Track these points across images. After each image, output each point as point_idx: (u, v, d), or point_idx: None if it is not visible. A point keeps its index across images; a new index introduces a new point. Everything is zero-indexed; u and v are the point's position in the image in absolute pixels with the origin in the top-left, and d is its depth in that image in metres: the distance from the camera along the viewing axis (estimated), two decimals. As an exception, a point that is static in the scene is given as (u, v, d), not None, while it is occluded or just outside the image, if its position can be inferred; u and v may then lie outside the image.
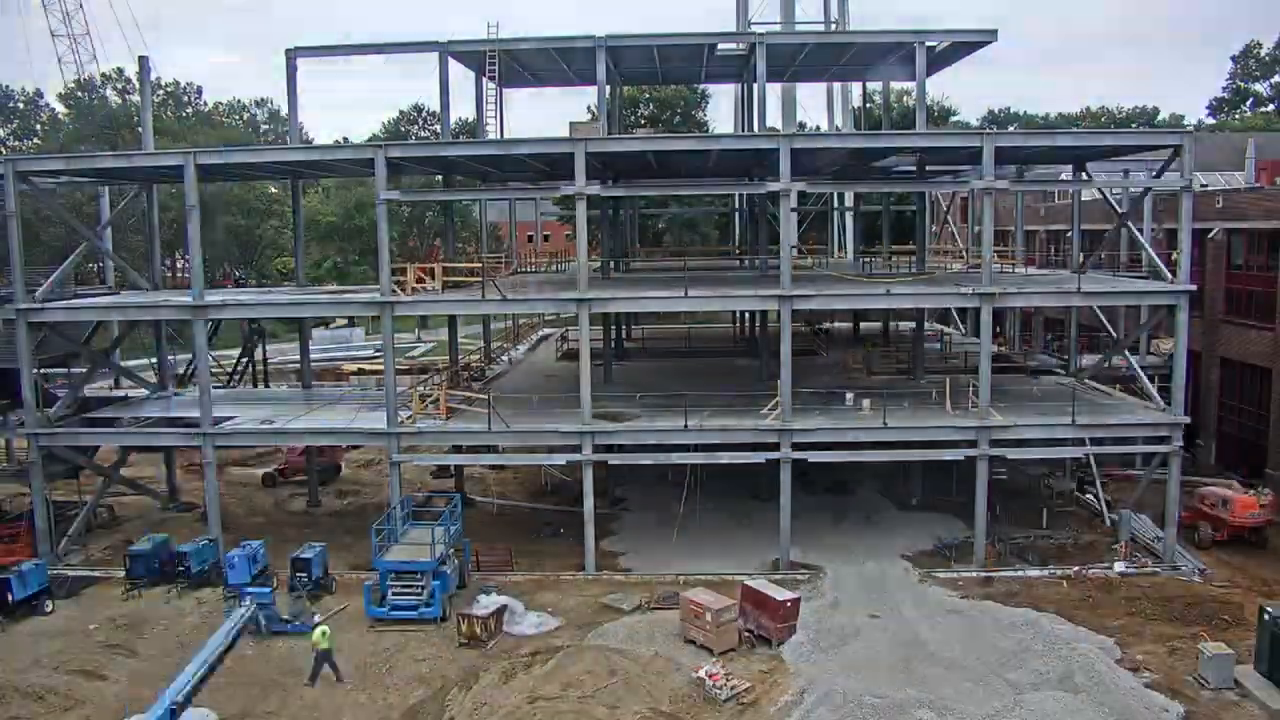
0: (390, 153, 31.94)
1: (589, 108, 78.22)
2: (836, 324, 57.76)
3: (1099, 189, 38.33)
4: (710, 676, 23.44)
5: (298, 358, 44.34)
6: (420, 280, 33.42)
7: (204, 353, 33.31)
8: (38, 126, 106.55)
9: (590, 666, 24.60)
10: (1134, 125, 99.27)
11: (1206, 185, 46.41)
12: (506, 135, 41.63)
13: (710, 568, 31.03)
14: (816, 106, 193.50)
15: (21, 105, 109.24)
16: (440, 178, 44.00)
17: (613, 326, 44.99)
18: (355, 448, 45.51)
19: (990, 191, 30.59)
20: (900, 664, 24.50)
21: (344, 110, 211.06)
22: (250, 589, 27.36)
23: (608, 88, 38.66)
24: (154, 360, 41.98)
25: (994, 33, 36.90)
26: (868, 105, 72.83)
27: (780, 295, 30.78)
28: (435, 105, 44.43)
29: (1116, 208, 38.69)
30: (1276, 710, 22.15)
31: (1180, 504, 31.43)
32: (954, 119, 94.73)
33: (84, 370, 38.54)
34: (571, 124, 35.80)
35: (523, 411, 33.19)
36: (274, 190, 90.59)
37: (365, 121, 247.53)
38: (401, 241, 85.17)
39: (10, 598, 28.44)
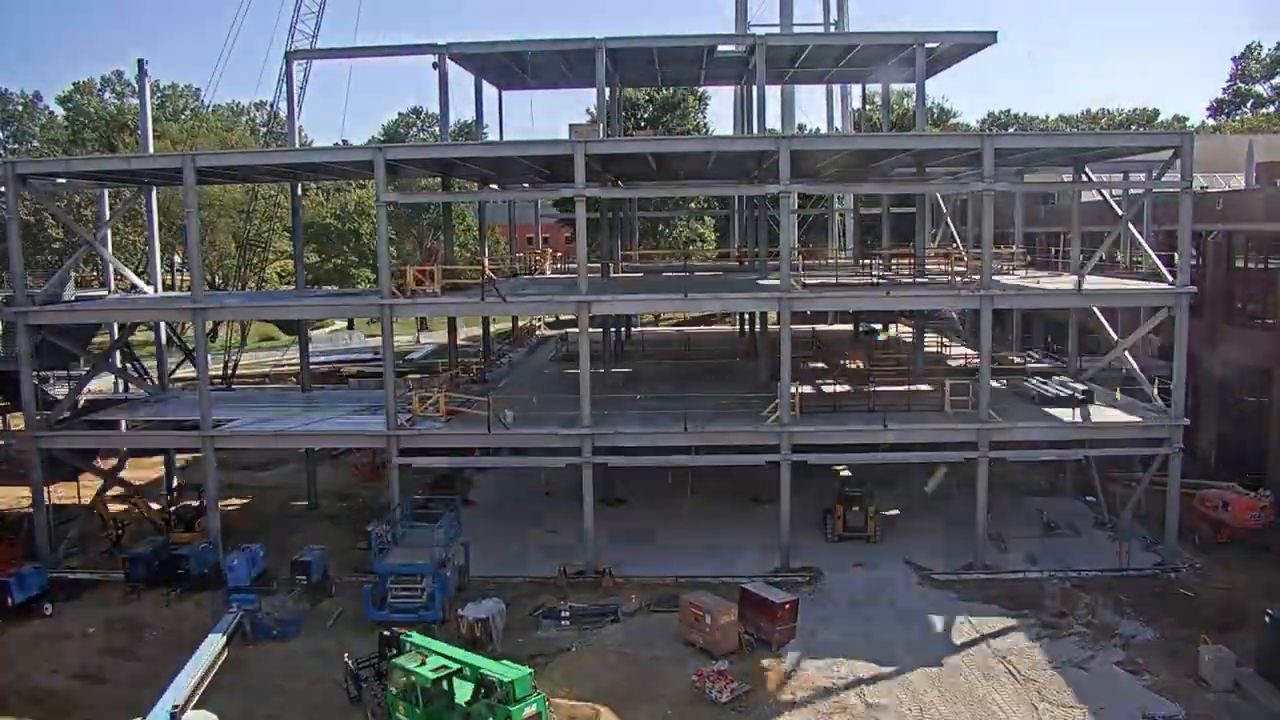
0: (389, 155, 31.91)
1: (588, 110, 78.22)
2: (834, 325, 57.65)
3: (1099, 190, 38.25)
4: (710, 679, 23.41)
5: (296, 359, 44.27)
6: (420, 282, 33.38)
7: (204, 354, 33.25)
8: (36, 129, 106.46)
9: (591, 668, 24.59)
10: (1133, 127, 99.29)
11: (1207, 186, 46.33)
12: (505, 138, 41.64)
13: (710, 570, 30.95)
14: (816, 108, 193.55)
15: (21, 108, 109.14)
16: (438, 179, 43.99)
17: (612, 329, 44.93)
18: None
19: (990, 193, 30.57)
20: (900, 666, 24.48)
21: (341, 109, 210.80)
22: (236, 595, 27.24)
23: (607, 89, 38.67)
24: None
25: (994, 34, 36.89)
26: (867, 107, 72.79)
27: (780, 297, 30.79)
28: (434, 107, 44.38)
29: (1117, 209, 38.64)
30: (1277, 713, 22.12)
31: (1180, 506, 31.39)
32: (954, 120, 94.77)
33: (83, 372, 38.47)
34: (571, 126, 35.85)
35: (523, 414, 33.10)
36: (272, 191, 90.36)
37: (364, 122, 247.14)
38: (401, 243, 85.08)
39: (10, 600, 28.42)
